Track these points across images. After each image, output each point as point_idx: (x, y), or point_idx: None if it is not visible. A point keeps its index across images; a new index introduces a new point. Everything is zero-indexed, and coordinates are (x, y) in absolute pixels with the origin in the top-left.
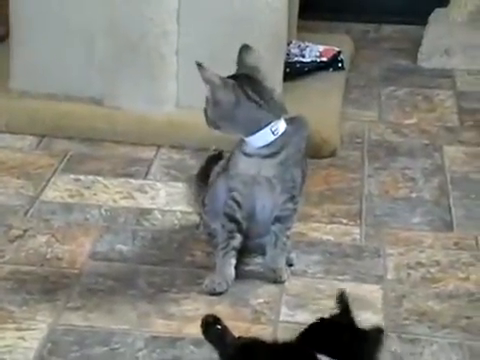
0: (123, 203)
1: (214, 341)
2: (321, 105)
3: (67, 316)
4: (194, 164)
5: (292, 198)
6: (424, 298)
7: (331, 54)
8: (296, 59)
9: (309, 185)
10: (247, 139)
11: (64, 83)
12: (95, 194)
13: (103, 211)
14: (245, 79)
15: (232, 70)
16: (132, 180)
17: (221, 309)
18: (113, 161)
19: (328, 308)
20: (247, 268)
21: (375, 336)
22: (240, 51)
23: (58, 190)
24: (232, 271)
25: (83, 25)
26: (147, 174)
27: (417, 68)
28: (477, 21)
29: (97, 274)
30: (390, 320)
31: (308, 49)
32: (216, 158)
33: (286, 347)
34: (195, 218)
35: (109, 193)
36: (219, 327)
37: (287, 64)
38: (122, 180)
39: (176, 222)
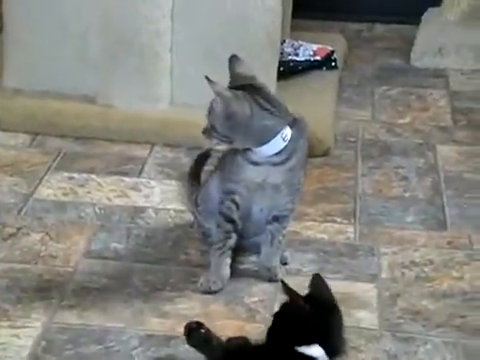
0: (117, 201)
1: (199, 345)
2: (315, 104)
3: (61, 314)
4: (188, 162)
5: (293, 199)
6: (418, 297)
7: (325, 53)
8: (290, 58)
9: (303, 184)
10: (257, 149)
11: (58, 81)
12: (89, 192)
13: (97, 209)
14: (251, 89)
15: (227, 67)
16: (126, 178)
17: (215, 308)
18: (107, 159)
19: None
20: (242, 267)
21: (331, 306)
22: (230, 62)
23: (52, 188)
24: (228, 270)
25: (77, 23)
26: (141, 172)
27: (410, 67)
28: (470, 20)
29: (91, 272)
30: (384, 319)
31: (302, 48)
32: (205, 156)
33: (271, 348)
34: (189, 216)
35: (103, 191)
36: (203, 331)
37: (281, 63)
38: (116, 178)
39: (170, 220)
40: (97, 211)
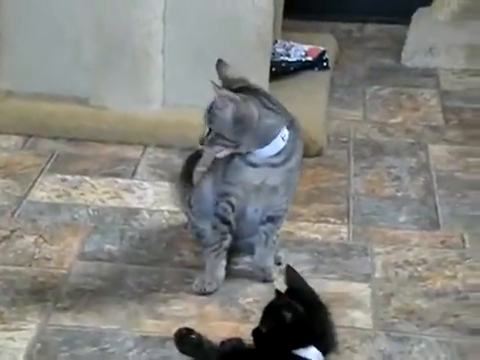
0: (111, 203)
1: (191, 351)
2: (307, 104)
3: (56, 316)
4: (180, 163)
5: (288, 199)
6: (412, 296)
7: (316, 53)
8: (282, 58)
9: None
10: (257, 150)
11: (50, 83)
12: (82, 194)
13: (91, 211)
14: (250, 90)
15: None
16: (119, 180)
17: (210, 309)
18: (100, 161)
19: None
20: (236, 267)
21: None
22: (218, 67)
23: (45, 190)
24: (223, 272)
25: (69, 25)
26: (134, 173)
27: (401, 67)
28: (460, 20)
29: (86, 274)
30: (378, 319)
31: (293, 48)
32: (196, 157)
33: (266, 352)
34: (183, 217)
35: (96, 193)
36: (193, 336)
37: (273, 64)
38: (109, 180)
39: (164, 221)
40: (91, 213)
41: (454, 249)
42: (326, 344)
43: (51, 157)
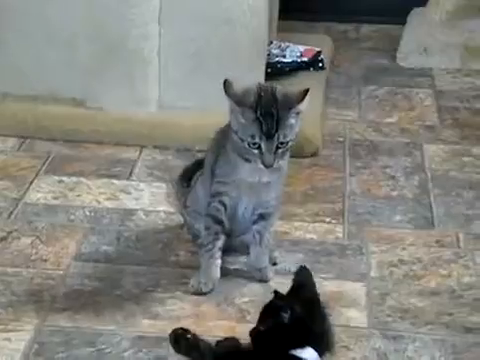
0: (107, 204)
1: (187, 351)
2: None
3: (53, 317)
4: (177, 164)
5: (277, 195)
6: (407, 295)
7: (312, 54)
8: (277, 59)
9: (292, 184)
10: None
11: (46, 84)
12: (79, 195)
13: (87, 212)
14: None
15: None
16: (116, 181)
17: (206, 308)
18: (96, 162)
19: None
20: (232, 267)
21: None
22: (226, 89)
23: (41, 191)
24: (218, 272)
25: (65, 26)
26: (130, 175)
27: (396, 67)
28: (455, 20)
29: (82, 275)
30: (373, 317)
31: (289, 49)
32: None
33: (263, 352)
34: (179, 218)
35: (93, 194)
36: (189, 336)
37: (268, 64)
38: (105, 181)
39: (160, 222)
40: (87, 214)
41: (449, 248)
42: (323, 345)
43: (47, 158)
